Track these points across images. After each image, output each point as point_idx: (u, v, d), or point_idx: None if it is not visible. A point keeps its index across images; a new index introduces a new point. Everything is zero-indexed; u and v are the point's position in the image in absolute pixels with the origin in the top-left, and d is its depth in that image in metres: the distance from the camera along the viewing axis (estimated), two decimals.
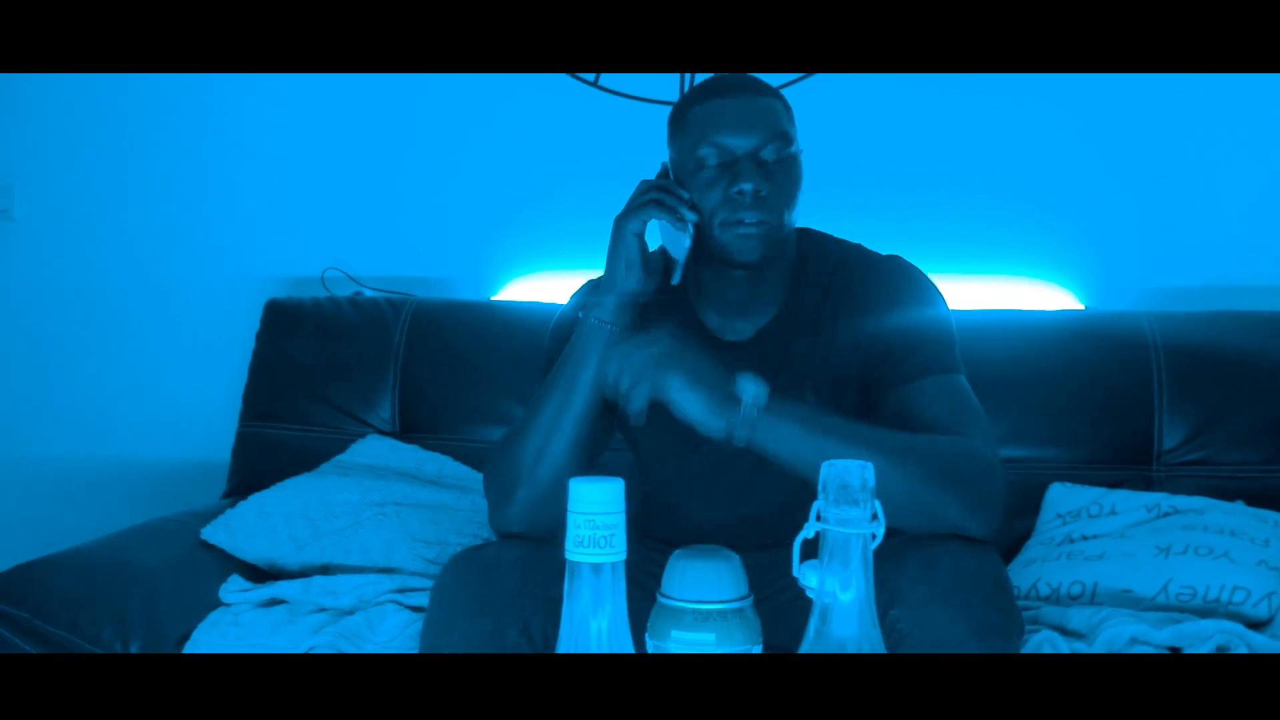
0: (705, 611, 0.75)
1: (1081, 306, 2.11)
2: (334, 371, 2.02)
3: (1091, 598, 1.50)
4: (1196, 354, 1.82)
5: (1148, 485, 1.79)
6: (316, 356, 2.03)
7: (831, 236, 1.44)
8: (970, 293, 2.12)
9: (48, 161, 2.42)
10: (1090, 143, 2.11)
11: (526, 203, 2.30)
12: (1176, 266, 2.08)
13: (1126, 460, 1.81)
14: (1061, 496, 1.75)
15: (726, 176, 1.25)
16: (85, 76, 2.37)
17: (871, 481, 0.68)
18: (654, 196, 1.26)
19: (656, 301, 1.32)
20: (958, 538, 1.19)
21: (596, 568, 0.67)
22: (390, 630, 1.40)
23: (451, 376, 2.00)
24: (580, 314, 1.31)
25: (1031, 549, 1.68)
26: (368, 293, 2.22)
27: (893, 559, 1.18)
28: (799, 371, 1.34)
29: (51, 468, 2.40)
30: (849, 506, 0.68)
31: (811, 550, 0.72)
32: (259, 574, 1.64)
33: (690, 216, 1.26)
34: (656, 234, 1.29)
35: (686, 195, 1.27)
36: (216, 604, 1.49)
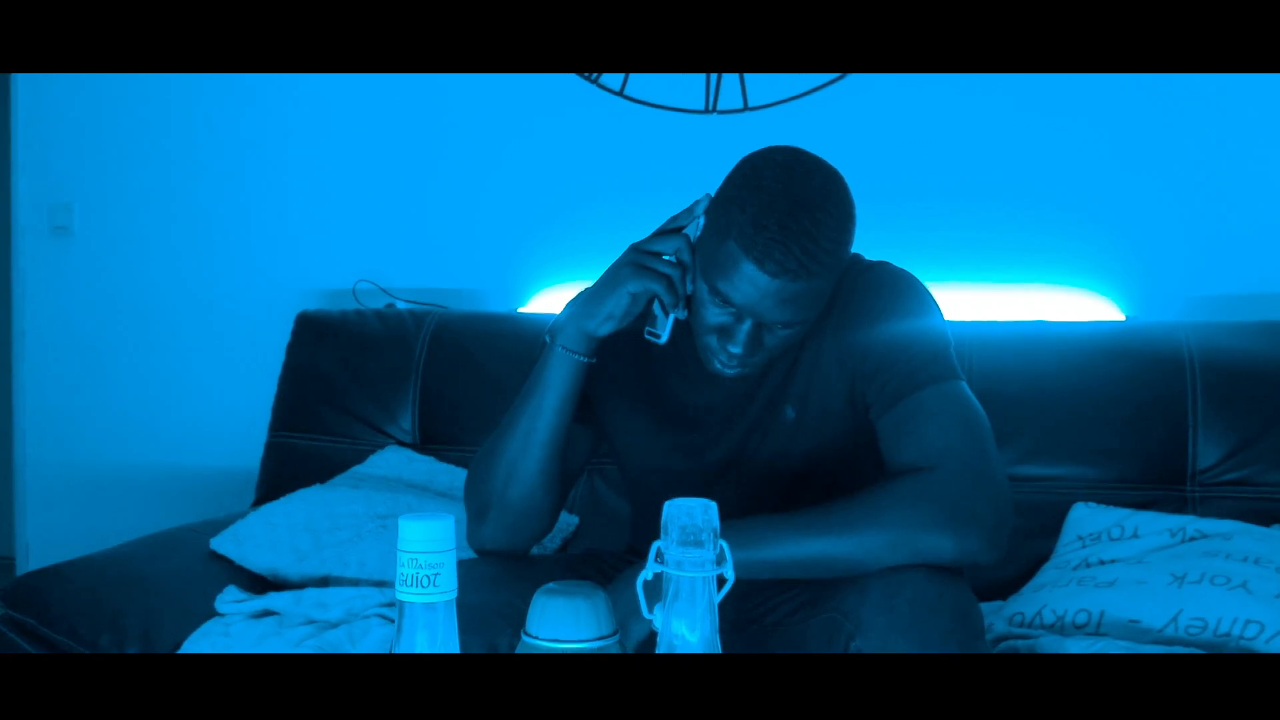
0: (564, 652, 0.73)
1: (1123, 316, 2.01)
2: (358, 383, 2.05)
3: (1097, 627, 1.42)
4: (1235, 368, 1.72)
5: (1181, 506, 1.69)
6: (341, 368, 2.07)
7: None
8: (1008, 302, 2.05)
9: (103, 181, 2.52)
10: (1134, 146, 2.01)
11: (555, 214, 2.30)
12: (1223, 274, 1.97)
13: (1158, 480, 1.72)
14: (1084, 517, 1.67)
15: (728, 322, 1.19)
16: (139, 102, 2.47)
17: (715, 522, 0.65)
18: (666, 273, 1.22)
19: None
20: (926, 567, 1.15)
21: (427, 607, 0.65)
22: (372, 644, 1.41)
23: (471, 388, 2.01)
24: (546, 337, 1.30)
25: (1045, 572, 1.61)
26: (400, 304, 2.25)
27: (856, 587, 1.15)
28: (776, 390, 1.31)
29: (100, 472, 2.51)
30: (693, 548, 0.65)
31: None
32: (264, 584, 1.67)
33: (683, 315, 1.24)
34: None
35: (690, 289, 1.23)
36: (213, 614, 1.52)
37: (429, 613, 0.66)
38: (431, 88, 2.33)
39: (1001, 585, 1.65)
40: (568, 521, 1.86)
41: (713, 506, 0.65)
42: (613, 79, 2.22)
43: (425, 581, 0.64)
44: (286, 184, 2.43)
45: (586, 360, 1.28)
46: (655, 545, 0.67)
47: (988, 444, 1.21)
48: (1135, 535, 1.59)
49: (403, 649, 0.66)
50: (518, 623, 0.95)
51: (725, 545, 0.66)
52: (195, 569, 1.65)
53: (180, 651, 1.46)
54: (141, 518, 2.32)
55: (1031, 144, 2.06)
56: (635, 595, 1.24)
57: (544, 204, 2.30)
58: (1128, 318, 2.01)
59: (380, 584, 1.58)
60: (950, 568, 1.17)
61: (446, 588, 0.65)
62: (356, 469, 1.92)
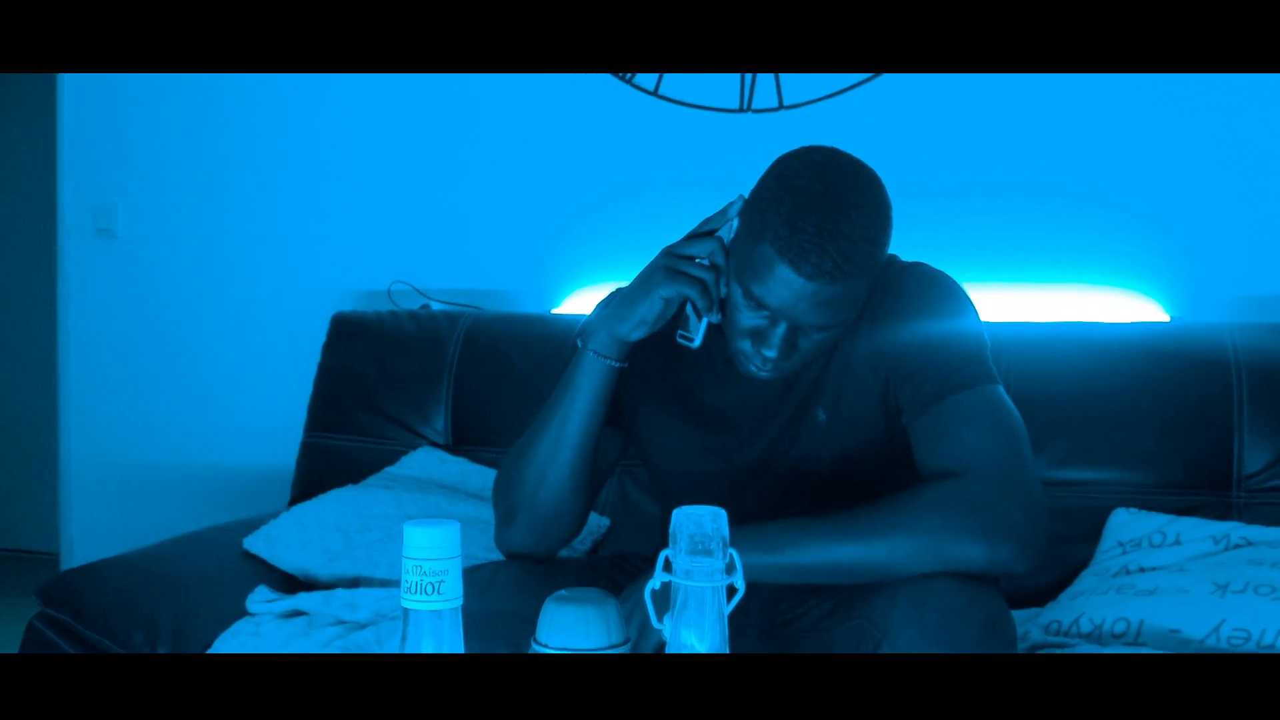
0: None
1: (1167, 317, 1.96)
2: (391, 384, 2.06)
3: (1136, 637, 1.39)
4: None
5: (1224, 513, 1.65)
6: (375, 369, 2.07)
7: None
8: (1049, 302, 2.01)
9: (146, 183, 2.56)
10: (1178, 143, 1.96)
11: (589, 215, 2.29)
12: (1271, 273, 1.92)
13: (1202, 485, 1.68)
14: (1125, 523, 1.63)
15: (763, 325, 1.18)
16: (179, 105, 2.50)
17: (725, 530, 0.64)
18: (700, 277, 1.20)
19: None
20: (957, 575, 1.12)
21: (433, 614, 0.65)
22: (398, 645, 1.41)
23: (503, 389, 2.01)
24: (578, 340, 1.29)
25: (1084, 579, 1.57)
26: (435, 305, 2.26)
27: (885, 594, 1.13)
28: (808, 391, 1.29)
29: (141, 470, 2.54)
30: (702, 557, 0.64)
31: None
32: (298, 584, 1.68)
33: (717, 319, 1.23)
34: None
35: (724, 293, 1.21)
36: (244, 613, 1.54)
37: (434, 620, 0.65)
38: (467, 89, 2.34)
39: (1039, 592, 1.62)
40: (598, 523, 1.86)
41: (722, 515, 0.64)
42: (647, 79, 2.21)
43: (430, 589, 0.64)
44: (323, 185, 2.44)
45: (618, 365, 1.27)
46: (663, 554, 0.65)
47: (1023, 450, 1.18)
48: (1177, 542, 1.55)
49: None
50: None
51: (735, 554, 0.65)
52: (228, 568, 1.66)
53: (210, 651, 1.47)
54: (181, 515, 2.35)
55: (1073, 142, 2.02)
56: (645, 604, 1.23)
57: (578, 205, 2.29)
58: (1172, 318, 1.96)
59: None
60: (982, 576, 1.15)
61: (451, 595, 0.64)
62: (389, 470, 1.93)
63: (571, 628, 0.71)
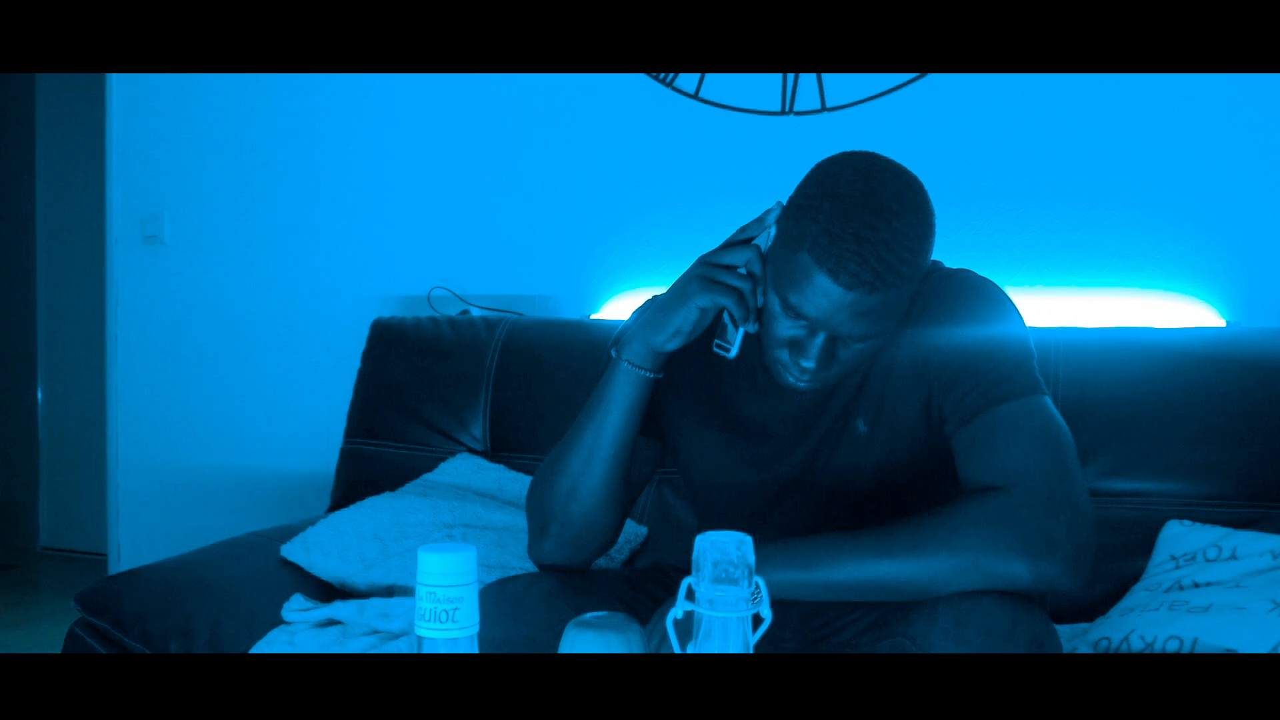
0: None
1: (1223, 322, 1.90)
2: (429, 390, 2.06)
3: None
4: None
5: None
6: (414, 375, 2.07)
7: None
8: (1101, 308, 1.96)
9: (191, 190, 2.58)
10: (1233, 141, 1.90)
11: (629, 219, 2.28)
12: None
13: (1260, 497, 1.61)
14: (1178, 536, 1.57)
15: (801, 335, 1.15)
16: (224, 113, 2.53)
17: (750, 558, 0.62)
18: (736, 286, 1.18)
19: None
20: (1000, 593, 1.09)
21: (448, 642, 0.63)
22: None
23: (541, 395, 2.00)
24: (613, 350, 1.27)
25: (1135, 594, 1.52)
26: (475, 311, 2.25)
27: (925, 612, 1.10)
28: (849, 402, 1.26)
29: (188, 474, 2.57)
30: (727, 585, 0.61)
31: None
32: (333, 592, 1.68)
33: (754, 329, 1.20)
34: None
35: (761, 302, 1.18)
36: (279, 621, 1.53)
37: (449, 648, 0.63)
38: (508, 94, 2.33)
39: (1088, 607, 1.57)
40: (636, 532, 1.84)
41: (747, 541, 0.62)
42: (688, 82, 2.19)
43: (444, 616, 0.62)
44: (364, 191, 2.45)
45: (652, 375, 1.25)
46: (685, 581, 0.63)
47: (1070, 463, 1.14)
48: (1234, 556, 1.50)
49: None
50: None
51: (761, 582, 0.62)
52: (266, 575, 1.67)
53: None
54: (225, 519, 2.37)
55: (1124, 141, 1.96)
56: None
57: (618, 209, 2.28)
58: (1228, 323, 1.89)
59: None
60: (1027, 594, 1.11)
61: (466, 623, 0.63)
62: (427, 476, 1.92)
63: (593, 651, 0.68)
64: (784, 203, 1.19)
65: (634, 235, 2.26)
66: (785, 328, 1.16)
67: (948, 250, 1.28)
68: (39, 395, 3.90)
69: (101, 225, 2.71)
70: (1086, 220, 1.98)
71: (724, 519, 1.39)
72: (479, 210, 2.37)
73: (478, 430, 2.03)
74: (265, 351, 2.53)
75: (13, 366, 3.94)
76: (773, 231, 1.19)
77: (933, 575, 1.11)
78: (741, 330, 1.21)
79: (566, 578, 1.31)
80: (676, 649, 0.63)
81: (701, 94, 2.18)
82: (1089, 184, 1.98)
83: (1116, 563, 1.61)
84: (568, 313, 2.28)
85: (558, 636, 1.15)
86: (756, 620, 0.63)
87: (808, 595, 1.18)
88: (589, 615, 0.73)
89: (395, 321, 2.16)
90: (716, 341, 1.23)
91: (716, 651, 0.62)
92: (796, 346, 1.16)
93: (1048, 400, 1.19)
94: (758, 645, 1.31)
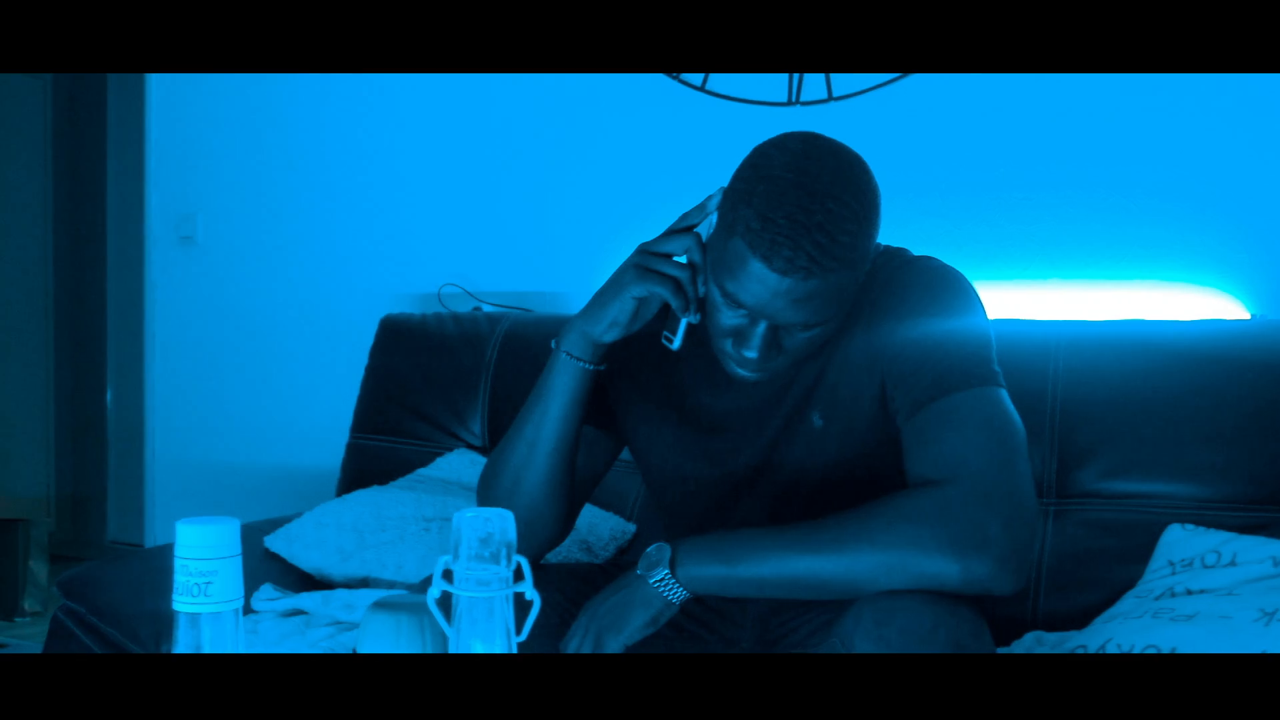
0: None
1: (1248, 315, 1.78)
2: (431, 385, 2.06)
3: None
4: None
5: None
6: (417, 371, 2.08)
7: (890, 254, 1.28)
8: (1120, 300, 1.86)
9: (223, 191, 2.65)
10: (1259, 129, 1.78)
11: (639, 213, 2.24)
12: None
13: (1269, 500, 1.51)
14: (1179, 541, 1.48)
15: (742, 324, 1.10)
16: (256, 114, 2.59)
17: (512, 534, 0.59)
18: (674, 275, 1.15)
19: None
20: (926, 593, 1.04)
21: (193, 618, 0.62)
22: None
23: None
24: (553, 341, 1.25)
25: (1125, 601, 1.43)
26: (485, 307, 2.25)
27: (853, 612, 1.05)
28: (803, 395, 1.22)
29: (221, 469, 2.63)
30: (488, 564, 0.59)
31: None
32: (316, 584, 1.69)
33: (695, 319, 1.16)
34: None
35: (702, 292, 1.14)
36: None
37: (211, 623, 0.62)
38: (517, 92, 2.33)
39: (1084, 612, 1.49)
40: (624, 529, 1.81)
41: (509, 516, 0.59)
42: (694, 74, 2.15)
43: (195, 590, 0.61)
44: (379, 190, 2.48)
45: (592, 367, 1.22)
46: (442, 561, 0.60)
47: (1014, 457, 1.08)
48: (1233, 563, 1.40)
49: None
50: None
51: (523, 560, 0.59)
52: (248, 566, 1.67)
53: None
54: (259, 513, 2.41)
55: (1144, 128, 1.86)
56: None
57: (628, 204, 2.25)
58: (1253, 316, 1.78)
59: (414, 587, 1.57)
60: (959, 595, 1.06)
61: (222, 597, 0.61)
62: (420, 471, 1.93)
63: (383, 637, 0.66)
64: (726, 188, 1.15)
65: (645, 229, 2.21)
66: (727, 317, 1.12)
67: (958, 243, 1.23)
68: (108, 394, 4.05)
69: (140, 226, 2.79)
70: (1103, 210, 1.89)
71: (681, 514, 1.36)
72: (490, 207, 2.37)
73: (476, 426, 2.03)
74: (287, 349, 2.57)
75: (86, 365, 4.10)
76: (714, 218, 1.15)
77: (857, 572, 1.06)
78: (684, 321, 1.18)
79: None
80: (445, 628, 0.61)
81: (708, 86, 2.14)
82: (1105, 173, 1.89)
83: (1115, 568, 1.53)
84: (579, 308, 2.26)
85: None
86: (525, 604, 0.60)
87: (734, 591, 1.14)
88: (385, 599, 0.71)
89: (402, 318, 2.18)
90: (664, 333, 1.20)
91: (478, 634, 0.59)
92: (739, 336, 1.12)
93: (1002, 393, 1.13)
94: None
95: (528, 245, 2.34)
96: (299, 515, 1.81)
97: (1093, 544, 1.56)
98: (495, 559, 0.58)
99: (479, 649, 0.59)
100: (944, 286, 1.20)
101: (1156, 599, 1.40)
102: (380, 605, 0.69)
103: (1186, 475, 1.55)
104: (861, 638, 1.02)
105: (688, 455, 1.30)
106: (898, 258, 1.24)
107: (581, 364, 1.22)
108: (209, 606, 0.62)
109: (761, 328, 1.10)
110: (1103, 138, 1.89)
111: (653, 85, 2.19)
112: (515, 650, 0.60)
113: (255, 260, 2.61)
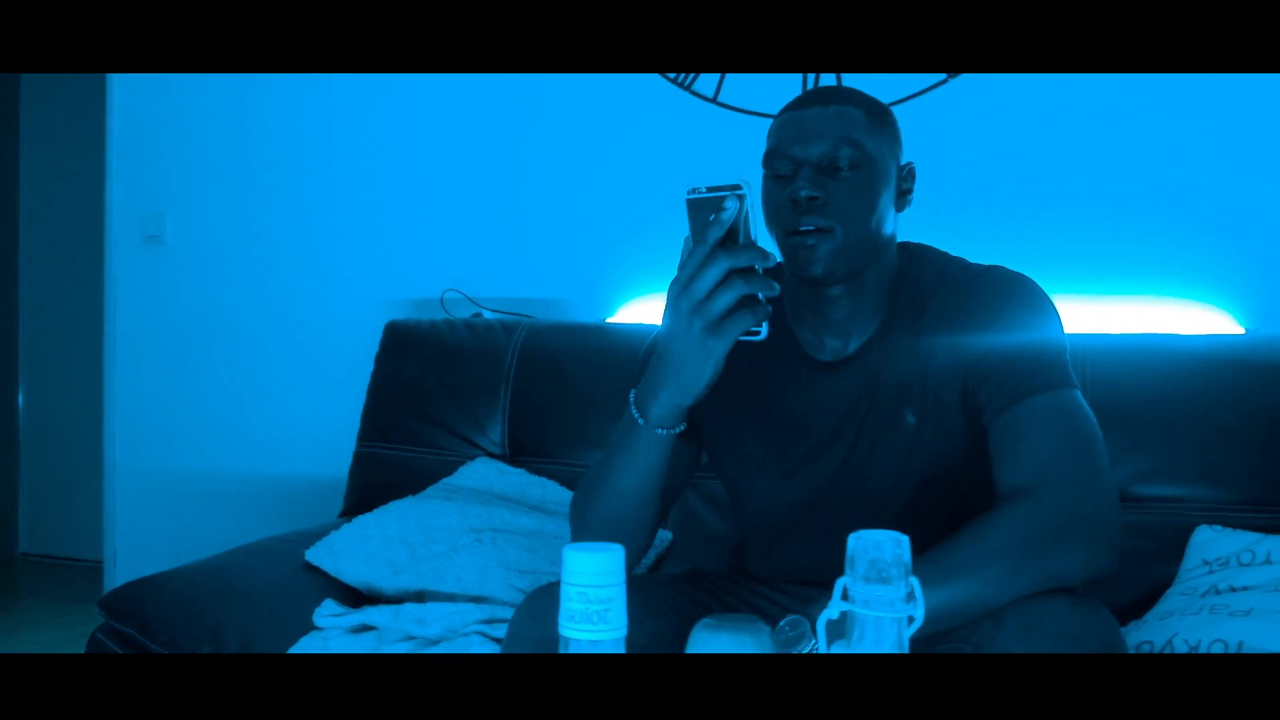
0: None
1: (1241, 329, 1.92)
2: (447, 393, 2.03)
3: None
4: None
5: None
6: (431, 378, 2.05)
7: (934, 249, 1.34)
8: (1116, 315, 1.97)
9: (194, 190, 2.54)
10: (1250, 146, 1.92)
11: (644, 223, 2.26)
12: None
13: None
14: (1209, 541, 1.58)
15: (791, 192, 1.19)
16: (229, 112, 2.49)
17: (906, 557, 0.60)
18: (741, 294, 1.07)
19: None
20: (1066, 597, 1.09)
21: (595, 645, 0.61)
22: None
23: (560, 400, 1.98)
24: (634, 412, 1.18)
25: (1171, 599, 1.53)
26: (486, 314, 2.23)
27: (990, 616, 1.09)
28: (897, 395, 1.26)
29: (188, 479, 2.52)
30: (880, 585, 0.60)
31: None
32: (358, 596, 1.65)
33: (776, 290, 1.08)
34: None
35: (760, 268, 1.08)
36: (310, 627, 1.51)
37: (594, 651, 0.61)
38: (519, 96, 2.31)
39: (1119, 610, 1.57)
40: (662, 538, 1.82)
41: (904, 540, 0.61)
42: (707, 85, 2.18)
43: (595, 617, 0.60)
44: (374, 192, 2.42)
45: (683, 427, 1.20)
46: (840, 582, 0.62)
47: (1098, 455, 1.16)
48: (1268, 561, 1.50)
49: None
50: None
51: (916, 583, 0.61)
52: (290, 581, 1.63)
53: None
54: (228, 525, 2.33)
55: (1144, 150, 1.97)
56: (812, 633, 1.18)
57: (634, 213, 2.26)
58: (1247, 331, 1.91)
59: (477, 599, 1.55)
60: (1086, 598, 1.11)
61: (617, 624, 0.61)
62: (447, 481, 1.89)
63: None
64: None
65: (650, 239, 2.25)
66: (776, 194, 1.21)
67: (968, 256, 1.30)
68: (20, 399, 3.83)
69: (101, 224, 2.65)
70: (1105, 228, 1.99)
71: (762, 524, 1.38)
72: (492, 212, 2.35)
73: (496, 434, 2.01)
74: (269, 354, 2.49)
75: None
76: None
77: (990, 587, 1.09)
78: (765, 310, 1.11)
79: None
80: (824, 648, 0.62)
81: (720, 98, 2.17)
82: (1107, 191, 1.99)
83: (1146, 567, 1.61)
84: (582, 316, 2.27)
85: (637, 645, 1.14)
86: (910, 621, 0.62)
87: None
88: (712, 618, 0.72)
89: (410, 324, 2.13)
90: (761, 334, 1.19)
91: (870, 650, 0.60)
92: (793, 204, 1.18)
93: (1079, 395, 1.21)
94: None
95: (530, 252, 2.33)
96: (335, 527, 1.77)
97: (1126, 545, 1.65)
98: (885, 580, 0.60)
99: None
100: (1023, 293, 1.27)
101: (1203, 595, 1.49)
102: (712, 625, 0.70)
103: (1208, 479, 1.66)
104: (1008, 642, 1.06)
105: (770, 456, 1.32)
106: (971, 267, 1.30)
107: (674, 431, 1.19)
108: (607, 633, 0.61)
109: (804, 173, 1.18)
110: (1103, 158, 1.99)
111: (661, 93, 2.21)
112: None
113: (232, 263, 2.52)
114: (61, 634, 2.95)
